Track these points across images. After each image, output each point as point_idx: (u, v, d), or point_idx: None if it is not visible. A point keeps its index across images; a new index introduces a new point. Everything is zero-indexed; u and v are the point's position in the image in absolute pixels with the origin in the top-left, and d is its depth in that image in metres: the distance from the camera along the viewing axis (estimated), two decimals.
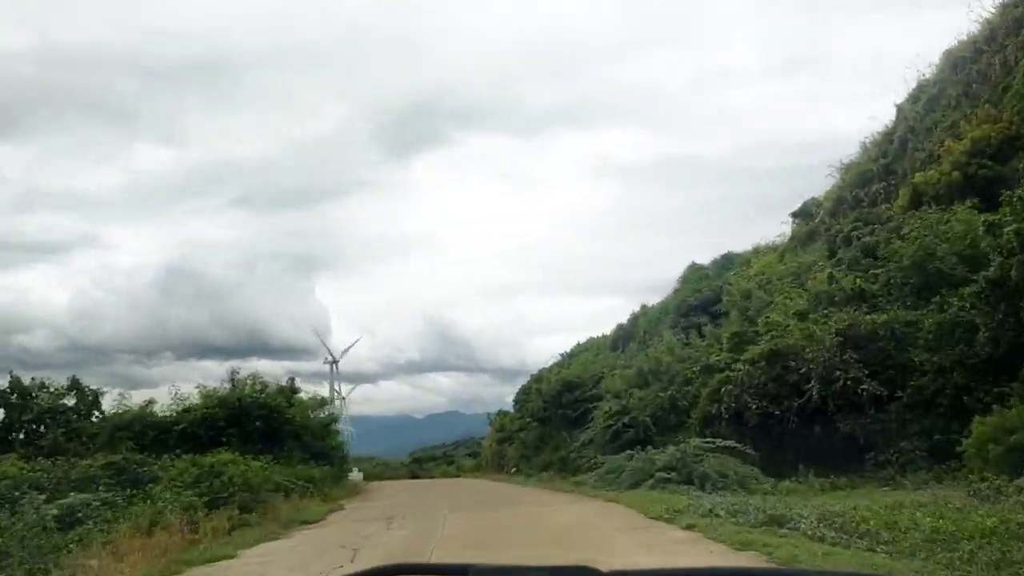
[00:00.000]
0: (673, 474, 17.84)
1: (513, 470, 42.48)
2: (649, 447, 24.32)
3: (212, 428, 21.31)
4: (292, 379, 30.58)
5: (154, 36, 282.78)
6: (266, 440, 21.75)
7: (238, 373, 27.68)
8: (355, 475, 55.31)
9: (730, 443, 18.31)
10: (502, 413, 54.53)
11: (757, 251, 43.55)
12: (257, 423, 22.16)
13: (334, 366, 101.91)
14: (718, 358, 24.16)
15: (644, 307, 44.07)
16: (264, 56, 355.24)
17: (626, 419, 30.04)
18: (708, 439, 18.83)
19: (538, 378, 50.90)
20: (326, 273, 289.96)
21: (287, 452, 25.49)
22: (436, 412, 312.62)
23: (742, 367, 20.20)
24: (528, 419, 45.43)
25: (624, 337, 43.45)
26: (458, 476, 63.99)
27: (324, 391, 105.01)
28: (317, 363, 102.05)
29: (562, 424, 37.71)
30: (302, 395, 30.85)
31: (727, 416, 19.72)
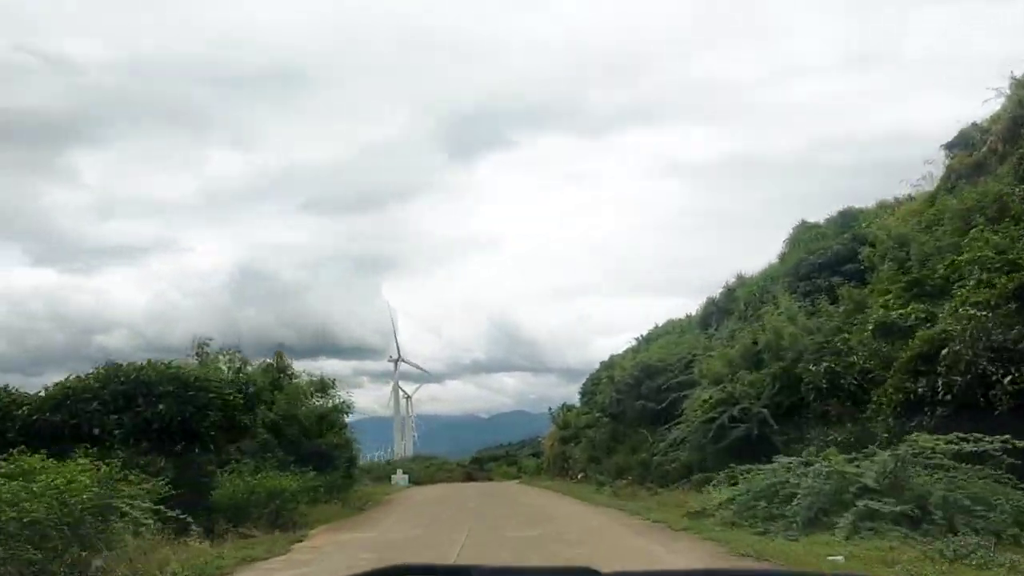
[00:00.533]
0: (885, 503, 9.61)
1: (580, 475, 34.51)
2: (773, 455, 16.17)
3: (78, 415, 13.69)
4: (280, 354, 23.25)
5: (226, 44, 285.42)
6: (188, 435, 14.07)
7: (208, 344, 20.53)
8: (399, 479, 48.02)
9: (993, 441, 9.68)
10: (566, 408, 46.31)
11: (883, 205, 34.49)
12: (160, 407, 14.19)
13: (397, 364, 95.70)
14: (901, 313, 15.48)
15: (741, 277, 35.43)
16: (332, 62, 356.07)
17: (734, 411, 21.69)
18: (951, 438, 10.15)
19: (609, 365, 42.63)
20: (392, 274, 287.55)
21: (261, 454, 18.22)
22: (502, 412, 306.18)
23: (964, 318, 11.63)
24: (597, 414, 37.32)
25: (717, 313, 34.90)
26: (519, 478, 59.59)
27: (389, 390, 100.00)
28: (384, 363, 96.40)
29: (640, 419, 29.53)
30: (302, 379, 23.60)
31: (949, 396, 11.19)
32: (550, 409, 49.12)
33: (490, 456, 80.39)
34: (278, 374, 22.37)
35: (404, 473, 50.07)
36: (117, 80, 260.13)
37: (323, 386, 24.21)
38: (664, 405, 28.58)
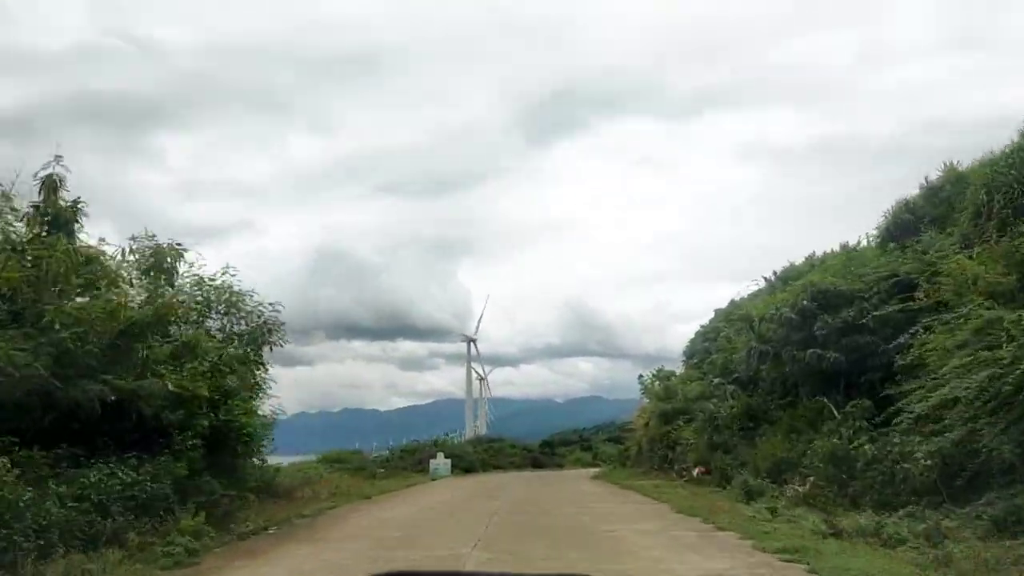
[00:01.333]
0: None
1: (697, 471, 22.36)
2: None
3: None
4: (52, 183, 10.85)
5: (307, 29, 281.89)
6: None
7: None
8: (439, 464, 37.08)
9: None
10: (663, 374, 33.57)
11: None
12: None
13: (471, 344, 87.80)
14: None
15: (949, 166, 22.80)
16: (410, 47, 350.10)
17: None
18: None
19: (726, 315, 30.18)
20: (468, 258, 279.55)
21: None
22: (577, 397, 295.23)
23: None
24: (716, 379, 25.20)
25: (914, 221, 22.31)
26: (595, 467, 51.98)
27: (463, 372, 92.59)
28: (459, 344, 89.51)
29: (818, 382, 17.36)
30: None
31: None
32: (640, 378, 36.27)
33: (562, 440, 72.24)
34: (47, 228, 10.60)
35: (447, 458, 38.99)
36: (203, 65, 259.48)
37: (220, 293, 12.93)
38: (857, 357, 16.33)
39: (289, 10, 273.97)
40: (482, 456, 48.09)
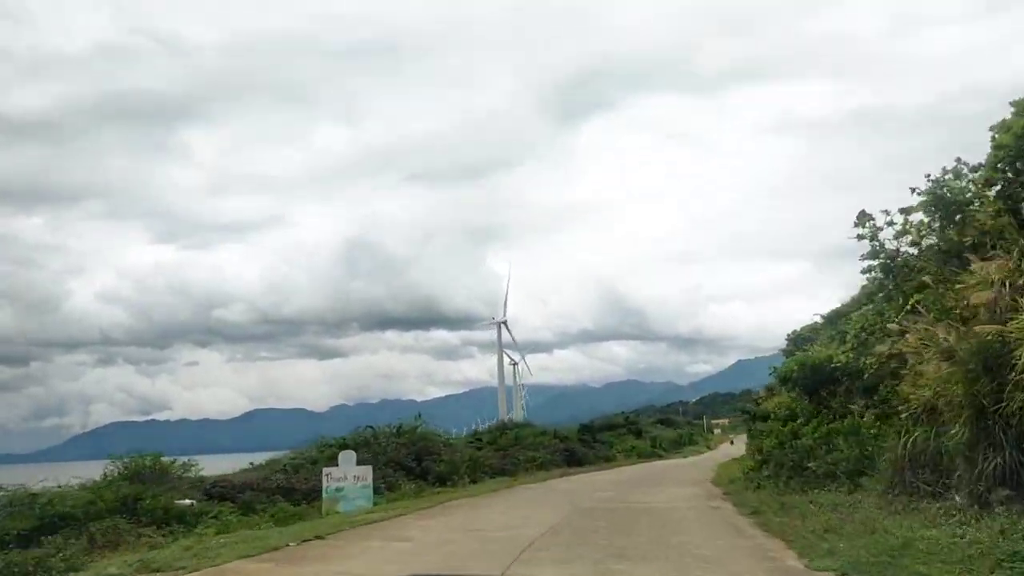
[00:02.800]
0: None
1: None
2: None
3: None
4: None
5: (329, 20, 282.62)
6: None
7: None
8: (341, 480, 17.23)
9: None
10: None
11: None
12: None
13: (502, 327, 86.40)
14: None
15: None
16: (433, 33, 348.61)
17: None
18: None
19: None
20: (499, 244, 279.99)
21: None
22: (613, 381, 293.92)
23: None
24: None
25: None
26: (656, 457, 51.50)
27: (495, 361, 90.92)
28: (493, 332, 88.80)
29: None
30: None
31: None
32: (792, 334, 33.18)
33: (605, 424, 61.97)
34: None
35: (361, 464, 18.40)
36: (227, 60, 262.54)
37: None
38: None
39: (310, 2, 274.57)
40: (489, 457, 30.67)
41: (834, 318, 31.53)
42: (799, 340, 34.95)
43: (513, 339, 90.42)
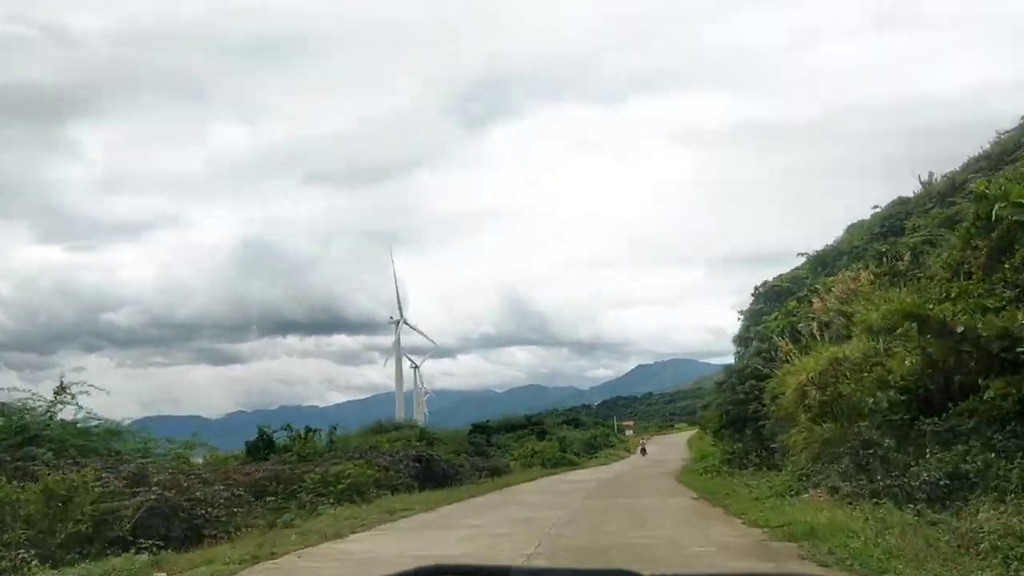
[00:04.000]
0: None
1: None
2: None
3: None
4: None
5: (227, 12, 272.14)
6: None
7: None
8: None
9: None
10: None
11: None
12: None
13: (398, 326, 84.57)
14: None
15: None
16: (336, 31, 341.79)
17: None
18: None
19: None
20: (403, 248, 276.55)
21: None
22: (517, 386, 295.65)
23: None
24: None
25: None
26: (571, 465, 41.72)
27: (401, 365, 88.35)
28: (404, 337, 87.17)
29: None
30: None
31: None
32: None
33: (504, 424, 55.57)
34: None
35: None
36: (119, 52, 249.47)
37: None
38: None
39: None
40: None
41: (829, 258, 32.64)
42: (774, 295, 35.09)
43: (424, 334, 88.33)
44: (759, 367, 22.23)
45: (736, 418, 24.60)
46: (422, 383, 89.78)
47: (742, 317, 39.72)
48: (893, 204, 32.34)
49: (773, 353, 21.11)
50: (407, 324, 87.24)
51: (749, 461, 22.48)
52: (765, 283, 37.62)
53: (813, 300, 21.35)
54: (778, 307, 28.87)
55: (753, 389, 22.46)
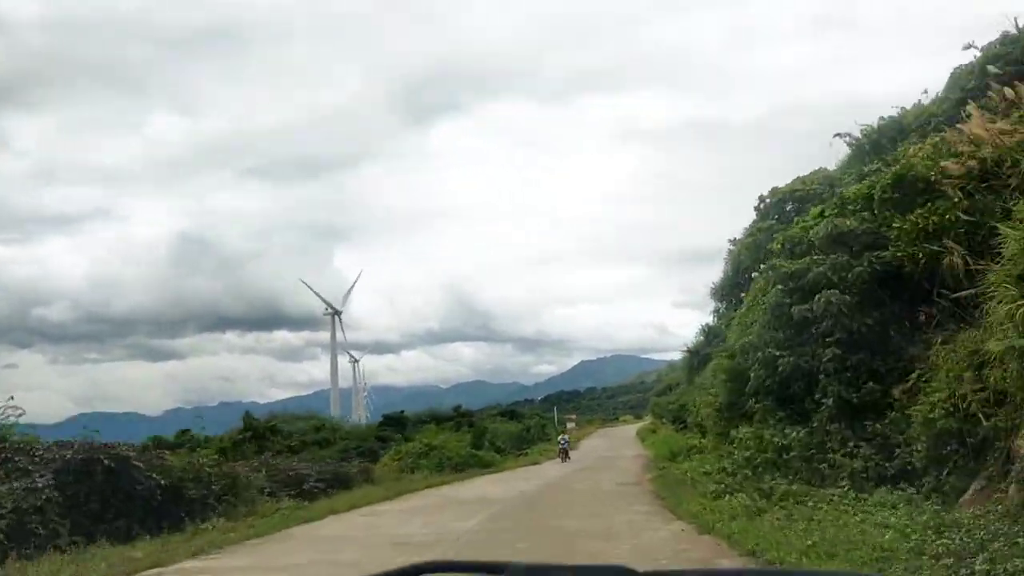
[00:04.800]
0: None
1: None
2: None
3: None
4: None
5: (164, 1, 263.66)
6: None
7: None
8: None
9: None
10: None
11: None
12: None
13: (336, 318, 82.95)
14: None
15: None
16: (278, 22, 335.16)
17: None
18: None
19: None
20: (345, 243, 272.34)
21: None
22: (461, 382, 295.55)
23: None
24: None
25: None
26: (484, 468, 30.25)
27: (343, 360, 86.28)
28: (340, 334, 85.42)
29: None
30: None
31: None
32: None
33: (427, 417, 47.89)
34: None
35: None
36: (51, 40, 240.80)
37: None
38: None
39: None
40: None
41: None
42: (795, 201, 28.14)
43: (323, 298, 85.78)
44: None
45: (785, 395, 14.96)
46: (363, 378, 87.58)
47: (732, 247, 33.08)
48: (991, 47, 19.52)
49: None
50: (339, 320, 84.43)
51: (815, 465, 13.27)
52: (775, 190, 30.80)
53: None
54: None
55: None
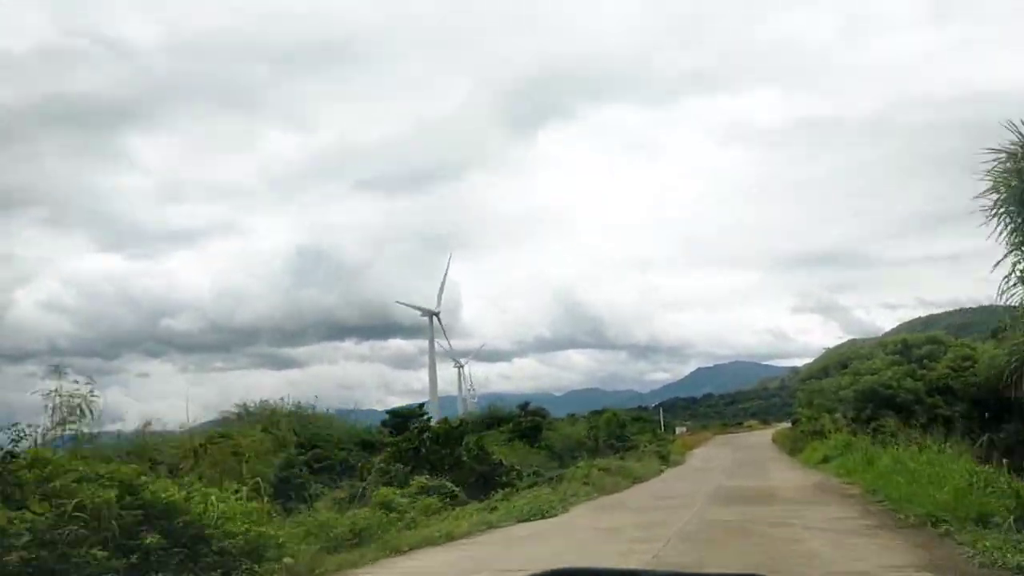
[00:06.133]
0: None
1: None
2: None
3: None
4: None
5: (274, 19, 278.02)
6: None
7: None
8: None
9: None
10: None
11: None
12: None
13: (433, 319, 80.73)
14: None
15: None
16: (385, 34, 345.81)
17: None
18: None
19: None
20: (456, 252, 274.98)
21: None
22: (575, 389, 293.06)
23: None
24: None
25: None
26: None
27: (453, 369, 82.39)
28: (453, 341, 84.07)
29: None
30: None
31: None
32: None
33: (483, 420, 40.63)
34: None
35: None
36: (170, 62, 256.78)
37: None
38: None
39: (256, 2, 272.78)
40: None
41: None
42: None
43: (447, 339, 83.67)
44: None
45: None
46: (471, 384, 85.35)
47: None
48: None
49: None
50: (435, 312, 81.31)
51: None
52: None
53: None
54: None
55: None
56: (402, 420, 31.54)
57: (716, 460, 33.60)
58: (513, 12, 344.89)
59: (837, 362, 41.57)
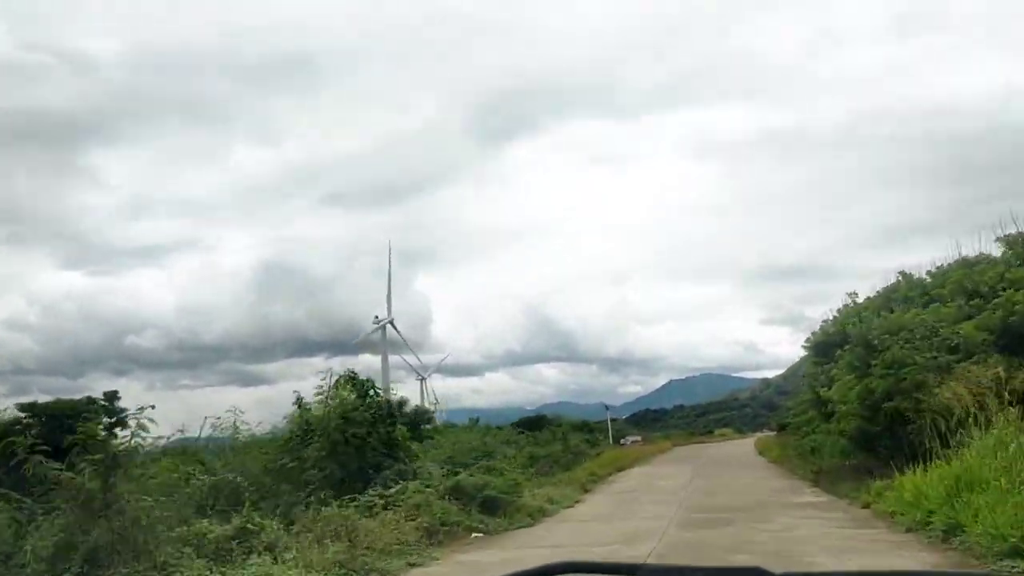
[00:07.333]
0: None
1: None
2: None
3: None
4: None
5: (239, 33, 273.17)
6: None
7: None
8: None
9: None
10: None
11: None
12: None
13: (387, 328, 75.10)
14: None
15: None
16: (351, 49, 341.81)
17: None
18: None
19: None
20: (425, 266, 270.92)
21: None
22: (548, 403, 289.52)
23: None
24: None
25: None
26: None
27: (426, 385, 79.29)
28: (423, 356, 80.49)
29: None
30: None
31: None
32: None
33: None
34: None
35: None
36: (135, 77, 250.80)
37: None
38: None
39: (219, 16, 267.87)
40: None
41: None
42: None
43: (404, 339, 78.42)
44: None
45: None
46: (435, 398, 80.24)
47: None
48: None
49: None
50: (393, 327, 76.55)
51: None
52: None
53: None
54: None
55: None
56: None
57: (640, 497, 19.71)
58: (481, 27, 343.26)
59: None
